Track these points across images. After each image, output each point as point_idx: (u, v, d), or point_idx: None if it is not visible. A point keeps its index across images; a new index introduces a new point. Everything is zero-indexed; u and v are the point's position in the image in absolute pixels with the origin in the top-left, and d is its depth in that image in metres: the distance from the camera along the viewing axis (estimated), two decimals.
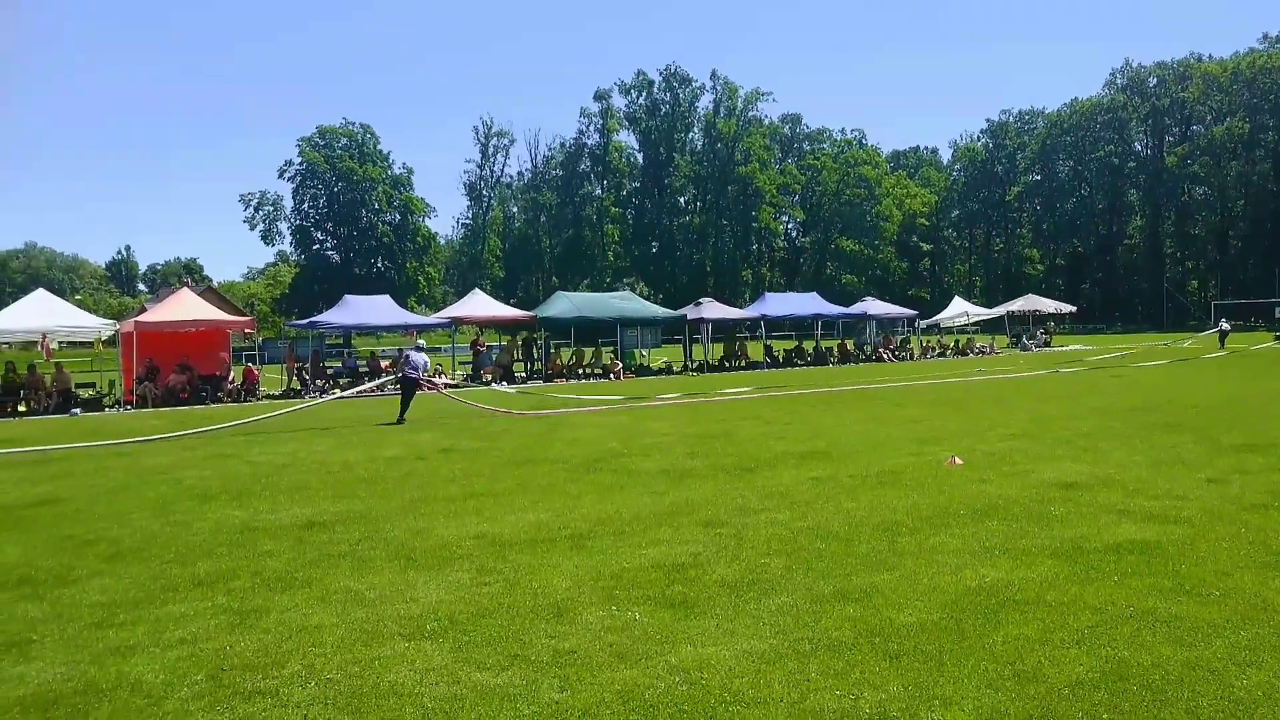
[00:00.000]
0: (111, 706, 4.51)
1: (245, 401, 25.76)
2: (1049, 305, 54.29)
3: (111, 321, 28.41)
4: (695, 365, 36.05)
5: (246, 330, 31.75)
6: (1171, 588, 5.77)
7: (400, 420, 18.02)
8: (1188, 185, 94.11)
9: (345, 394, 24.85)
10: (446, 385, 23.58)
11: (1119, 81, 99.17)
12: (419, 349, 20.12)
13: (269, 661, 5.04)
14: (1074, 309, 58.16)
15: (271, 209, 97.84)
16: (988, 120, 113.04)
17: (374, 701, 4.46)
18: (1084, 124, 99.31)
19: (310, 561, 7.18)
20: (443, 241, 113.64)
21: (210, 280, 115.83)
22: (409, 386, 18.84)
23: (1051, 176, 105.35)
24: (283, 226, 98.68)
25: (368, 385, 24.74)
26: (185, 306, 28.36)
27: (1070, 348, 47.19)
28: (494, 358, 32.81)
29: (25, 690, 4.75)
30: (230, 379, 27.35)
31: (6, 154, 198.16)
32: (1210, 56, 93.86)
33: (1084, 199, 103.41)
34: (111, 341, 27.46)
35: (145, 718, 4.36)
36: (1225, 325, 44.96)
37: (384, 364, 31.72)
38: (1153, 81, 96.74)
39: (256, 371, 28.88)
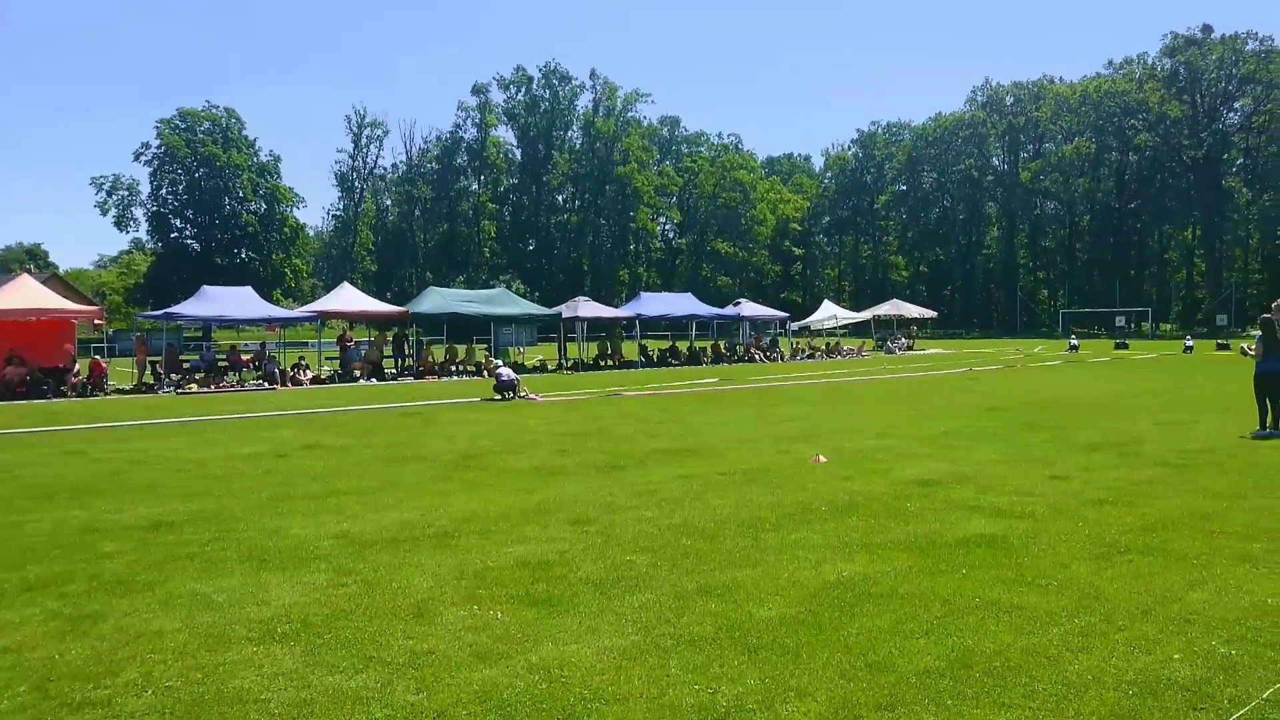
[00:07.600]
0: None
1: (92, 396, 24.33)
2: (913, 310, 56.69)
3: None
4: (570, 364, 35.98)
5: (95, 321, 29.99)
6: (1014, 579, 6.05)
7: None
8: (1040, 200, 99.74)
9: None
10: None
11: (979, 99, 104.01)
12: None
13: (102, 670, 4.73)
14: (935, 314, 60.83)
15: (126, 194, 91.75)
16: (858, 130, 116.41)
17: (216, 709, 4.23)
18: (947, 138, 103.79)
19: (154, 564, 6.79)
20: (312, 233, 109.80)
21: (56, 268, 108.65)
22: None
23: (916, 187, 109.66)
24: (138, 213, 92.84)
25: None
26: (25, 294, 26.55)
27: (931, 351, 49.28)
28: (363, 353, 31.95)
29: None
30: (75, 372, 25.73)
31: None
32: (1061, 79, 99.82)
33: (946, 210, 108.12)
34: None
35: None
36: (1074, 341, 49.49)
37: (245, 357, 30.46)
38: (1010, 100, 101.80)
39: (105, 364, 27.26)
